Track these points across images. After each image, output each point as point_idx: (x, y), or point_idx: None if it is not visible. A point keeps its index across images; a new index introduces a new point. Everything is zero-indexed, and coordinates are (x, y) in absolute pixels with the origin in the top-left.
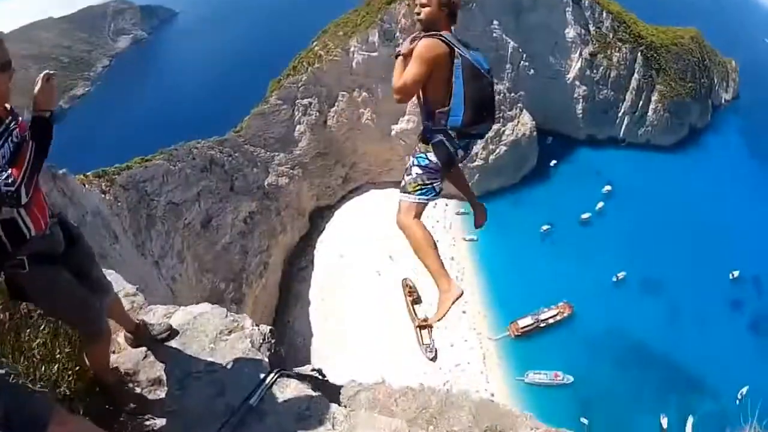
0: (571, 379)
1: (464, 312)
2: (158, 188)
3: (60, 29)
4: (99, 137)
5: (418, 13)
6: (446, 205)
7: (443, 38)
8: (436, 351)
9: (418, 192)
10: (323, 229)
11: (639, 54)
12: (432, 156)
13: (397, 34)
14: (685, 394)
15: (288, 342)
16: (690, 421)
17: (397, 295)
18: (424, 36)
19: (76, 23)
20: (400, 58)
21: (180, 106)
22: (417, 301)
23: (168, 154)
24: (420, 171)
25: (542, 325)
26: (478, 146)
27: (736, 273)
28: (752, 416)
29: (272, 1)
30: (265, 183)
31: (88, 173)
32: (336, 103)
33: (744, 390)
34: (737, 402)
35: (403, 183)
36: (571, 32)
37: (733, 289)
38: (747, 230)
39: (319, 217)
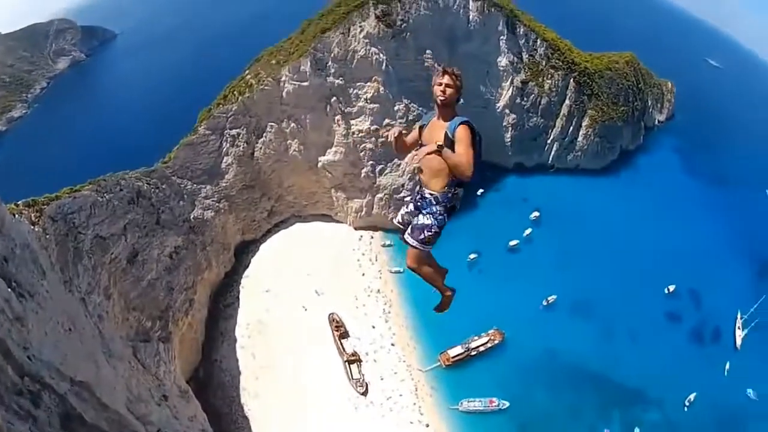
0: (507, 404)
1: (393, 345)
2: (86, 220)
3: (6, 46)
4: (32, 163)
5: (443, 92)
6: (371, 237)
7: (469, 123)
8: (366, 385)
9: (433, 244)
10: (248, 264)
11: (571, 80)
12: (446, 217)
13: (329, 63)
14: (628, 408)
15: (216, 381)
16: (637, 431)
17: (324, 331)
18: (461, 123)
19: (20, 41)
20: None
21: (113, 132)
22: (344, 335)
23: (96, 184)
24: (438, 229)
25: (473, 353)
26: (404, 177)
27: (671, 287)
28: None
29: (212, 26)
30: (191, 216)
31: (18, 202)
32: (264, 134)
33: (692, 397)
34: (685, 409)
35: (422, 237)
36: (503, 61)
37: (669, 302)
38: (681, 245)
39: (244, 252)
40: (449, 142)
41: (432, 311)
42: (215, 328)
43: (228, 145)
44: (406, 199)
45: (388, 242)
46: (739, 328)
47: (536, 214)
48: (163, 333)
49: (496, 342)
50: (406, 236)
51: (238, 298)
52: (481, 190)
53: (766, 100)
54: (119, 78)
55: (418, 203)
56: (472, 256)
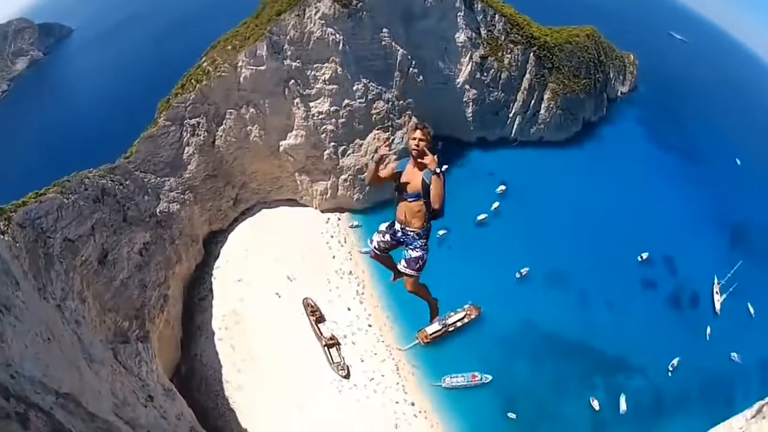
0: (490, 377)
1: (370, 325)
2: (53, 224)
3: None
4: None
5: (417, 146)
6: (338, 219)
7: (442, 172)
8: (348, 368)
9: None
10: (218, 255)
11: (531, 54)
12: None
13: (286, 46)
14: (611, 375)
15: (199, 376)
16: (623, 397)
17: (300, 316)
18: (434, 174)
19: None
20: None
21: (74, 130)
22: (321, 319)
23: (61, 186)
24: (426, 257)
25: (451, 329)
26: (367, 157)
27: (644, 255)
28: None
29: (167, 14)
30: (158, 210)
31: None
32: (224, 122)
33: (675, 362)
34: (668, 374)
35: (418, 266)
36: (461, 37)
37: (643, 270)
38: (651, 214)
39: (213, 243)
40: (426, 186)
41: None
42: (192, 323)
43: (188, 135)
44: (381, 228)
45: (355, 223)
46: (717, 293)
47: (502, 187)
48: (141, 332)
49: (473, 317)
50: (403, 269)
51: (211, 289)
52: (445, 166)
53: (730, 72)
54: (77, 74)
55: (401, 239)
56: (441, 232)
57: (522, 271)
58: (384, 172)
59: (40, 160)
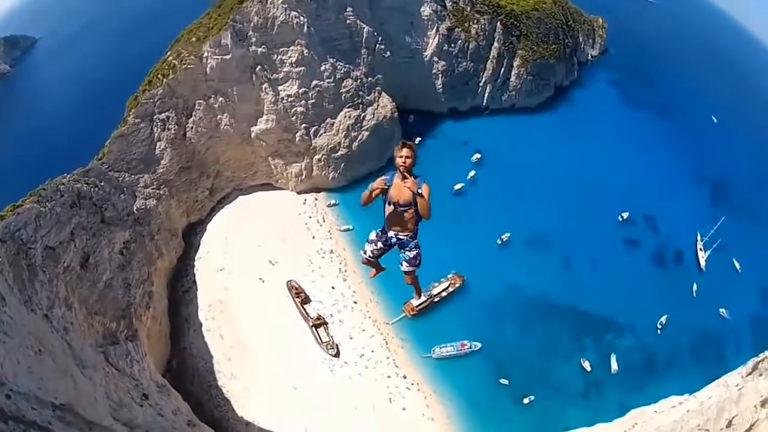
0: (479, 345)
1: (355, 302)
2: (33, 234)
3: None
4: None
5: (404, 163)
6: (315, 199)
7: (426, 181)
8: (337, 346)
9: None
10: (199, 246)
11: (498, 23)
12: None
13: (250, 32)
14: (600, 336)
15: (191, 369)
16: (613, 357)
17: (285, 299)
18: (423, 182)
19: None
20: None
21: (46, 139)
22: (306, 300)
23: (37, 195)
24: (421, 253)
25: (436, 299)
26: (340, 135)
27: (625, 215)
28: None
29: (128, 14)
30: (134, 208)
31: None
32: (193, 113)
33: (663, 319)
34: (658, 331)
35: (417, 262)
36: (426, 10)
37: (625, 229)
38: (629, 174)
39: (192, 234)
40: (415, 196)
41: (388, 264)
42: (178, 316)
43: (159, 130)
44: (371, 238)
45: (332, 201)
46: (701, 249)
47: (477, 155)
48: (129, 332)
49: (457, 286)
50: (406, 268)
51: (194, 281)
52: (418, 139)
53: (701, 32)
54: (45, 83)
55: (395, 243)
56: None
57: (503, 237)
58: (376, 185)
59: (16, 171)
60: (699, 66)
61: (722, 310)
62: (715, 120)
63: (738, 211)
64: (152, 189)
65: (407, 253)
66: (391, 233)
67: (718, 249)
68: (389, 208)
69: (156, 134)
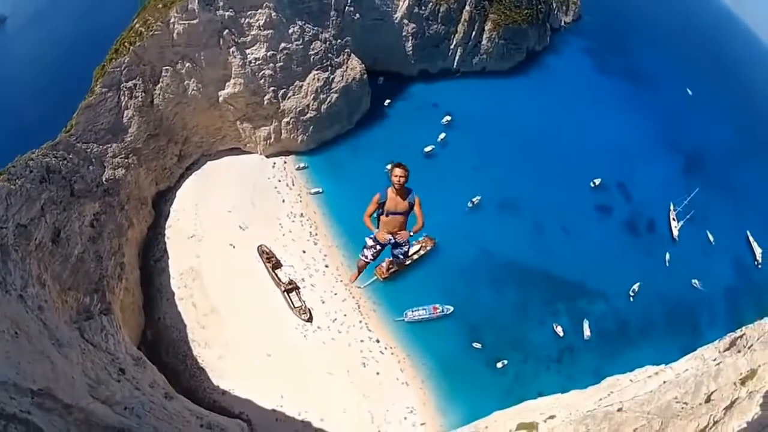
0: (451, 308)
1: (327, 266)
2: (4, 213)
3: None
4: None
5: (399, 181)
6: (284, 163)
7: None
8: (309, 311)
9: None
10: (168, 214)
11: None
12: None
13: None
14: (573, 301)
15: (165, 339)
16: (586, 323)
17: (256, 264)
18: (415, 195)
19: None
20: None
21: (16, 118)
22: (277, 265)
23: (7, 173)
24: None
25: (408, 262)
26: (309, 98)
27: (597, 181)
28: None
29: None
30: (104, 179)
31: None
32: (161, 80)
33: (636, 287)
34: (630, 299)
35: (408, 255)
36: None
37: (597, 195)
38: (601, 141)
39: (162, 202)
40: (410, 207)
41: (359, 228)
42: (151, 286)
43: (126, 98)
44: (369, 244)
45: (302, 164)
46: (674, 219)
47: (448, 118)
48: (103, 305)
49: (429, 248)
50: (402, 261)
51: (165, 250)
52: (387, 101)
53: (676, 4)
54: (15, 60)
55: (391, 243)
56: (389, 166)
57: (474, 200)
58: (372, 206)
59: None
60: (675, 38)
61: (695, 281)
62: (690, 92)
63: (712, 185)
64: (121, 158)
65: (403, 248)
66: (387, 236)
67: (691, 220)
68: (386, 218)
69: (123, 103)
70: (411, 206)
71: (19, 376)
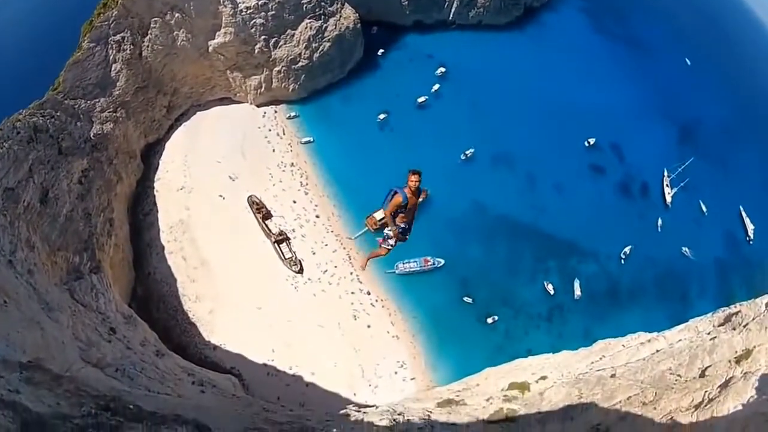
0: (443, 261)
1: (317, 216)
2: None
3: None
4: None
5: (416, 185)
6: (275, 112)
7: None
8: (300, 262)
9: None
10: (158, 166)
11: None
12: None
13: None
14: (564, 260)
15: (156, 295)
16: (577, 283)
17: (246, 215)
18: (424, 189)
19: None
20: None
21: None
22: (267, 216)
23: None
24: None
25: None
26: (301, 46)
27: (591, 140)
28: None
29: None
30: (91, 135)
31: None
32: (149, 32)
33: (627, 250)
34: (621, 261)
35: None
36: None
37: (591, 155)
38: (596, 101)
39: (151, 155)
40: (416, 204)
41: (350, 177)
42: (141, 241)
43: (114, 51)
44: (390, 234)
45: (293, 114)
46: (667, 186)
47: (442, 69)
48: (93, 263)
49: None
50: (398, 241)
51: (155, 203)
52: (381, 51)
53: None
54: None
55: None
56: (382, 116)
57: (467, 152)
58: (393, 208)
59: None
60: (676, 6)
61: (685, 249)
62: (689, 63)
63: (707, 156)
64: (109, 112)
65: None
66: (402, 226)
67: (684, 188)
68: (403, 213)
69: (111, 56)
70: (416, 205)
71: (8, 348)
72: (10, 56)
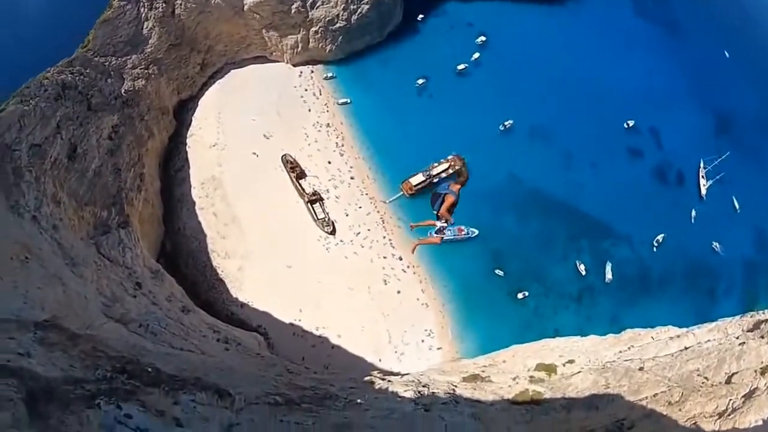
0: (476, 232)
1: (352, 178)
2: (17, 135)
3: None
4: None
5: (463, 184)
6: (312, 72)
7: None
8: (333, 224)
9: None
10: (190, 123)
11: None
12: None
13: None
14: (597, 241)
15: (185, 250)
16: (609, 266)
17: (279, 174)
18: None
19: None
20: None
21: (27, 42)
22: (301, 175)
23: (20, 95)
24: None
25: (435, 180)
26: (339, 8)
27: (631, 122)
28: None
29: None
30: (122, 91)
31: None
32: None
33: (660, 237)
34: (654, 249)
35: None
36: None
37: (629, 137)
38: (637, 83)
39: (184, 111)
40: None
41: (387, 140)
42: (171, 197)
43: (146, 9)
44: (444, 226)
45: (329, 74)
46: (702, 177)
47: (483, 38)
48: (121, 218)
49: (457, 168)
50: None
51: (187, 159)
52: (421, 15)
53: None
54: None
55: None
56: (420, 81)
57: (506, 123)
58: (447, 207)
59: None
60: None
61: (715, 244)
62: (728, 55)
63: (742, 151)
64: (141, 69)
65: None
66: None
67: (719, 182)
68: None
69: (143, 14)
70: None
71: (26, 306)
72: (37, 17)
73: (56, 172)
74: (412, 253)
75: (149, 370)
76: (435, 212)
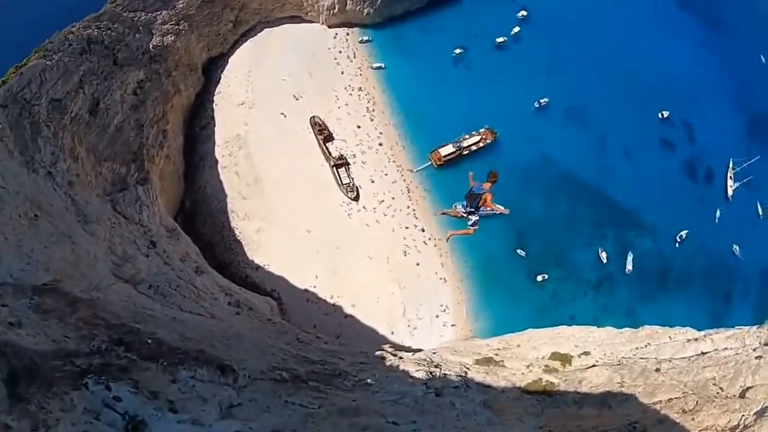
0: (508, 211)
1: (381, 144)
2: (37, 90)
3: None
4: None
5: (495, 182)
6: (347, 34)
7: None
8: (357, 190)
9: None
10: (219, 80)
11: None
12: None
13: None
14: (622, 230)
15: (204, 209)
16: (630, 257)
17: (307, 136)
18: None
19: None
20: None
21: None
22: (329, 138)
23: (42, 50)
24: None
25: (465, 152)
26: None
27: (665, 113)
28: None
29: None
30: (150, 46)
31: None
32: None
33: (683, 233)
34: (676, 244)
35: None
36: None
37: (663, 128)
38: (674, 74)
39: (213, 68)
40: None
41: (419, 109)
42: (194, 154)
43: None
44: (476, 220)
45: (365, 38)
46: (731, 178)
47: (524, 12)
48: (140, 175)
49: (489, 141)
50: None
51: (212, 117)
52: None
53: None
54: None
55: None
56: (458, 51)
57: (541, 101)
58: (486, 201)
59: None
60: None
61: (735, 247)
62: (764, 60)
63: None
64: (171, 25)
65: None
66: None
67: (746, 185)
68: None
69: None
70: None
71: (29, 267)
72: None
73: (76, 127)
74: (446, 241)
75: (149, 341)
76: (472, 210)
